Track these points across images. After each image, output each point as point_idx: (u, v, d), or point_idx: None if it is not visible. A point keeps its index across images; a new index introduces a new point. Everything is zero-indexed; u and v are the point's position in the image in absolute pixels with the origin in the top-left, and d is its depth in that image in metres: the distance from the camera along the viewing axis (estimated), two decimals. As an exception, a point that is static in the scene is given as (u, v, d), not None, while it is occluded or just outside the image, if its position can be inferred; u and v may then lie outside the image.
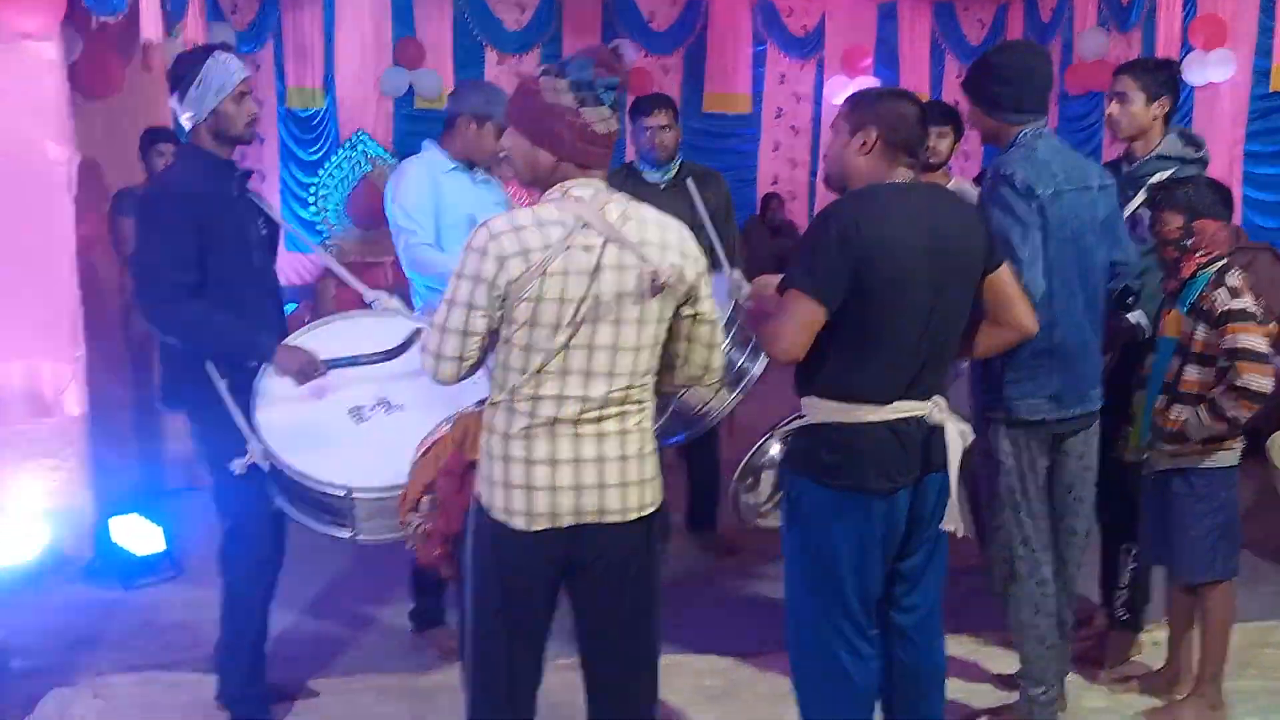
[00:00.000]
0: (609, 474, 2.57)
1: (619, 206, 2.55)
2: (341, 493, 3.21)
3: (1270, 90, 8.84)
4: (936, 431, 2.93)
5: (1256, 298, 3.58)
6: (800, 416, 3.03)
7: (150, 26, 5.35)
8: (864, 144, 2.94)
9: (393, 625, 4.55)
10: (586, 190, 2.53)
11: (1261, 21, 8.82)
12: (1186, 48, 8.96)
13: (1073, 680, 3.89)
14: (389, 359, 3.48)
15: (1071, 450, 3.59)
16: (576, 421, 2.53)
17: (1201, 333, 3.53)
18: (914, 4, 11.78)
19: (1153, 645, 4.23)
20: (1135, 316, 3.84)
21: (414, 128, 10.70)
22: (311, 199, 10.41)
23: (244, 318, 3.44)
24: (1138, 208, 3.85)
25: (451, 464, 2.77)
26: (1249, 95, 8.95)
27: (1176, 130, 4.01)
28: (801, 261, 2.87)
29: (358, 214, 10.50)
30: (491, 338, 2.52)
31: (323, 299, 9.29)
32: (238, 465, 3.31)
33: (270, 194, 9.97)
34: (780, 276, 2.99)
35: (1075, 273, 3.45)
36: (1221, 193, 3.64)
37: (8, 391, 5.00)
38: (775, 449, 3.34)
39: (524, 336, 2.48)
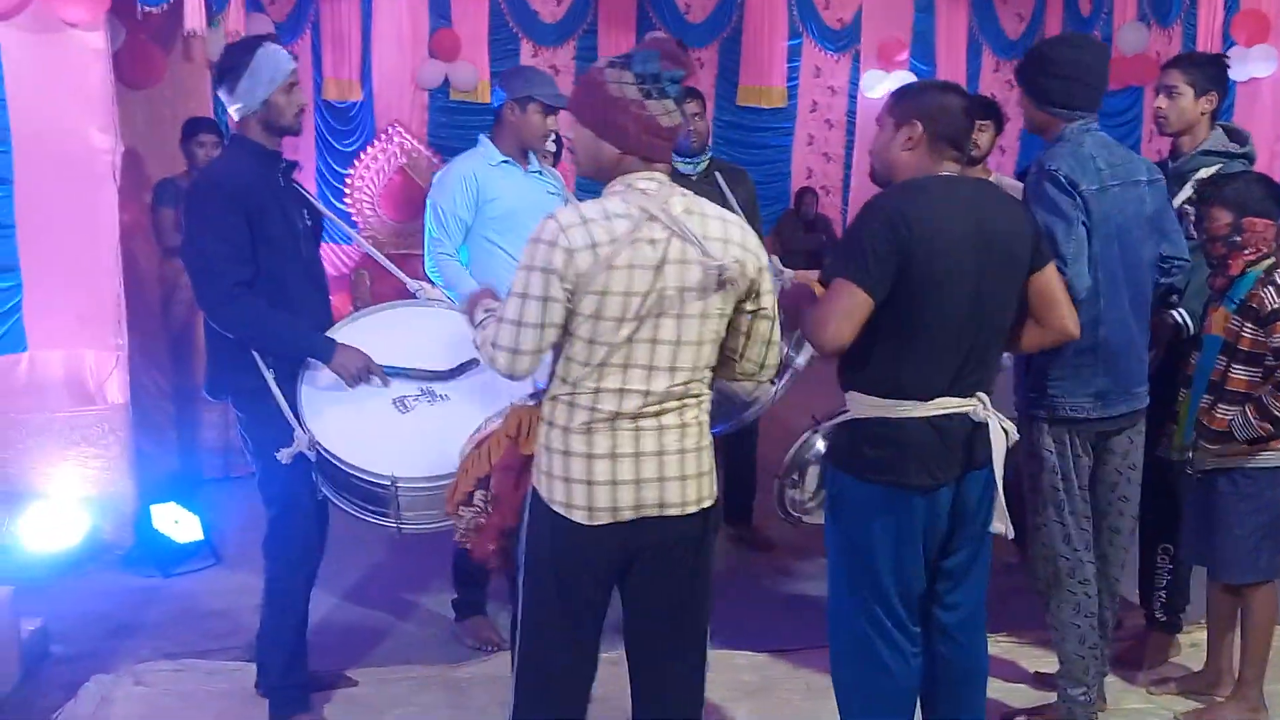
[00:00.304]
0: (669, 467, 2.57)
1: (683, 200, 2.54)
2: (387, 482, 3.22)
3: (1312, 86, 8.73)
4: (980, 428, 2.91)
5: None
6: (844, 411, 3.02)
7: (194, 17, 5.39)
8: (909, 139, 2.92)
9: (431, 614, 4.58)
10: (651, 184, 2.53)
11: (1304, 17, 8.71)
12: (1228, 42, 8.86)
13: (1111, 681, 3.87)
14: (444, 379, 3.46)
15: (1116, 449, 3.56)
16: (637, 416, 2.53)
17: (1249, 331, 3.50)
18: (951, -3, 11.73)
19: (1191, 647, 4.20)
20: (1177, 315, 3.80)
21: (449, 120, 10.76)
22: (347, 190, 10.45)
23: (292, 309, 3.45)
24: (1183, 203, 3.82)
25: (508, 459, 2.76)
26: (1291, 91, 8.84)
27: (1222, 125, 3.98)
28: (847, 251, 2.85)
29: (392, 206, 10.54)
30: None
31: (359, 289, 9.33)
32: (284, 454, 3.32)
33: (306, 185, 10.00)
34: (818, 273, 2.98)
35: (1120, 269, 3.41)
36: (1272, 190, 3.60)
37: (51, 380, 5.05)
38: (820, 444, 3.33)
39: (588, 330, 2.48)
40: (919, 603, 3.02)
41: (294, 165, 3.64)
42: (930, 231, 2.79)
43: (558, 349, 2.55)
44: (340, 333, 3.53)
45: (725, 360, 2.68)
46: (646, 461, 2.55)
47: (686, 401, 2.58)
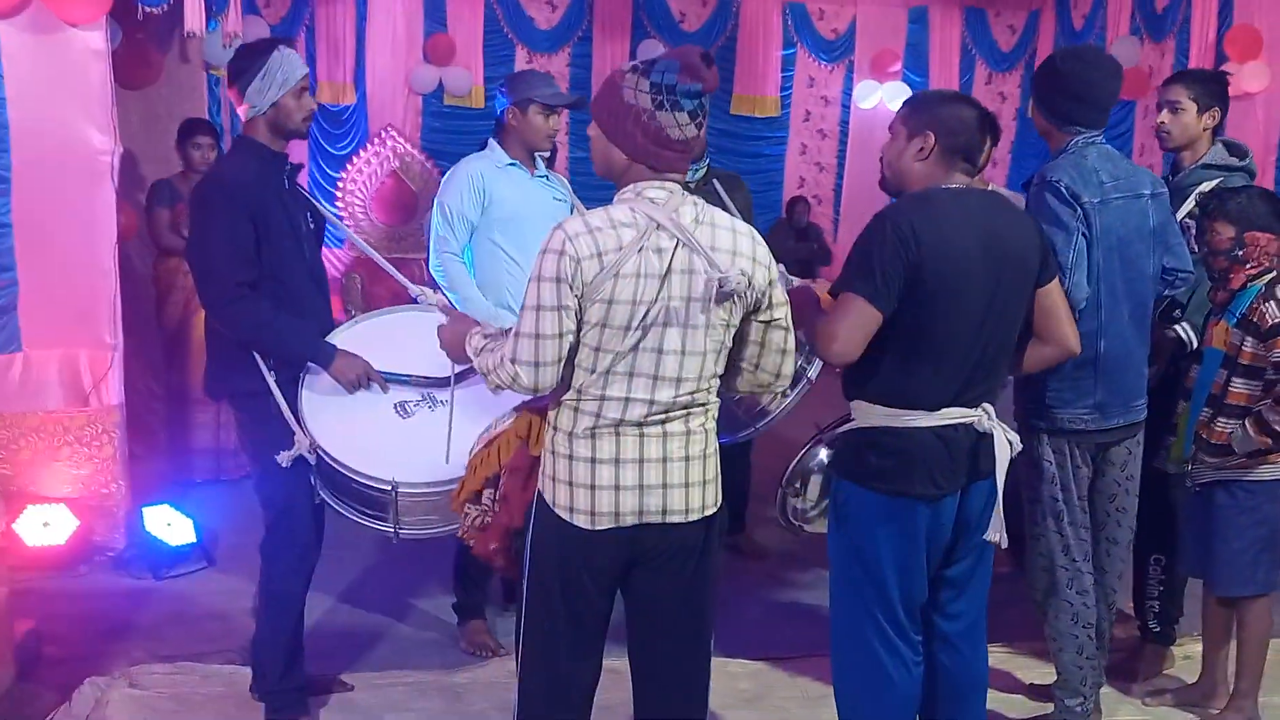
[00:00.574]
0: (673, 474, 2.57)
1: (693, 210, 2.54)
2: (387, 488, 3.21)
3: (1305, 102, 8.78)
4: (985, 439, 2.92)
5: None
6: (848, 420, 3.02)
7: (193, 18, 5.36)
8: (922, 149, 2.93)
9: (428, 618, 4.56)
10: (661, 193, 2.52)
11: (1298, 33, 8.75)
12: (1221, 58, 8.90)
13: (1106, 692, 3.87)
14: (444, 386, 3.42)
15: (1115, 460, 3.58)
16: (642, 423, 2.53)
17: (1249, 345, 3.52)
18: (945, 9, 11.76)
19: (1184, 659, 4.21)
20: (1180, 330, 3.82)
21: (443, 124, 10.77)
22: (339, 194, 10.43)
23: (295, 311, 3.44)
24: (1184, 217, 3.83)
25: (518, 460, 2.76)
26: (1284, 106, 8.89)
27: (1222, 140, 4.00)
28: (857, 264, 2.85)
29: (384, 210, 10.53)
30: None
31: (350, 293, 9.30)
32: (284, 457, 3.32)
33: (300, 187, 9.99)
34: (813, 284, 2.97)
35: (1121, 282, 3.43)
36: (1274, 205, 3.62)
37: (45, 379, 5.01)
38: (823, 453, 3.32)
39: (594, 337, 2.48)
40: (921, 612, 3.03)
41: (298, 168, 3.63)
42: (939, 245, 2.80)
43: None
44: (341, 337, 3.51)
45: (740, 371, 2.67)
46: (650, 467, 2.55)
47: (693, 410, 2.58)
